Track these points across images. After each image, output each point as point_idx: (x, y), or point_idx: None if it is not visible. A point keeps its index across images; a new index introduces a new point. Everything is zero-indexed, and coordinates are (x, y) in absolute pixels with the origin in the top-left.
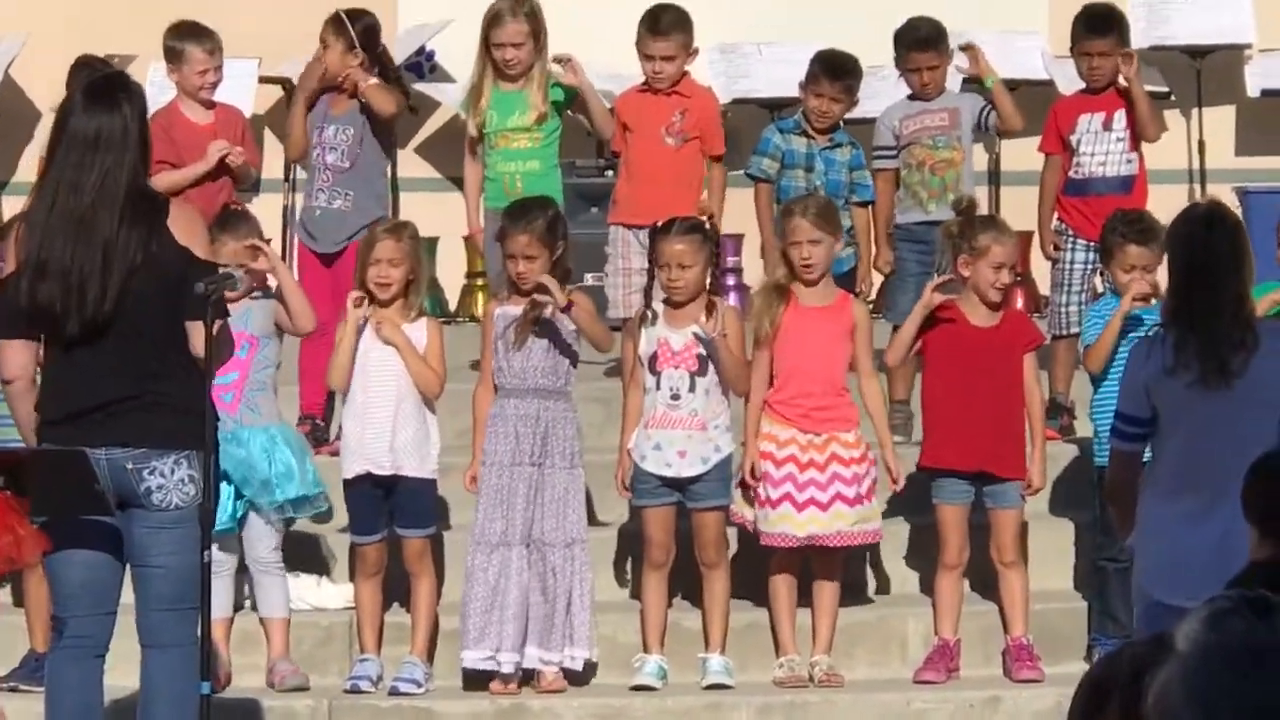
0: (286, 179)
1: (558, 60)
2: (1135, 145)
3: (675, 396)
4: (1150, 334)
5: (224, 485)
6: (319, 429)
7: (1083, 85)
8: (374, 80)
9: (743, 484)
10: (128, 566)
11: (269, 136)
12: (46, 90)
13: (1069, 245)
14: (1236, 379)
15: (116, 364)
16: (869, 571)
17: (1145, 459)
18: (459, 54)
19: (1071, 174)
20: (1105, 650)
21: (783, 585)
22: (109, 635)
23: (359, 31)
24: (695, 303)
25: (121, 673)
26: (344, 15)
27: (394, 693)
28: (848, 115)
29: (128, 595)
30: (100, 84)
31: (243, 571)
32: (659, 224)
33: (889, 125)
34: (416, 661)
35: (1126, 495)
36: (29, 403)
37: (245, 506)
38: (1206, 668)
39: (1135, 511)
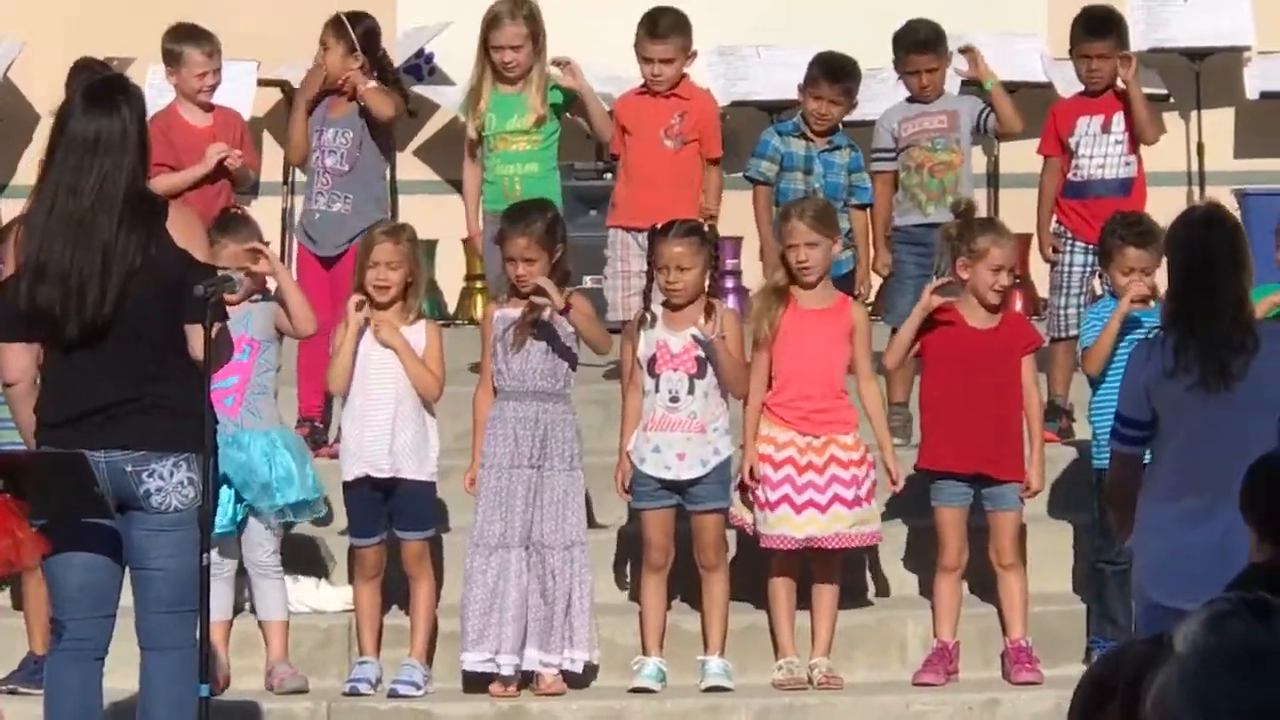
0: (285, 182)
1: (556, 63)
2: (1134, 148)
3: (674, 399)
4: (1150, 337)
5: (224, 489)
6: (317, 431)
7: (1081, 88)
8: (373, 84)
9: (741, 486)
10: (127, 569)
11: (268, 139)
12: (45, 93)
13: (1068, 248)
14: (1237, 381)
15: (116, 367)
16: (868, 574)
17: (1145, 461)
18: (458, 56)
19: (1070, 176)
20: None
21: (782, 588)
22: (108, 638)
23: (359, 34)
24: (694, 305)
25: (121, 675)
26: (345, 18)
27: (393, 695)
28: (846, 118)
29: (127, 598)
30: (99, 87)
31: (242, 574)
32: (658, 226)
33: (888, 127)
34: (415, 664)
35: (1126, 498)
36: (30, 405)
37: (245, 510)
38: (1205, 670)
39: (1135, 514)
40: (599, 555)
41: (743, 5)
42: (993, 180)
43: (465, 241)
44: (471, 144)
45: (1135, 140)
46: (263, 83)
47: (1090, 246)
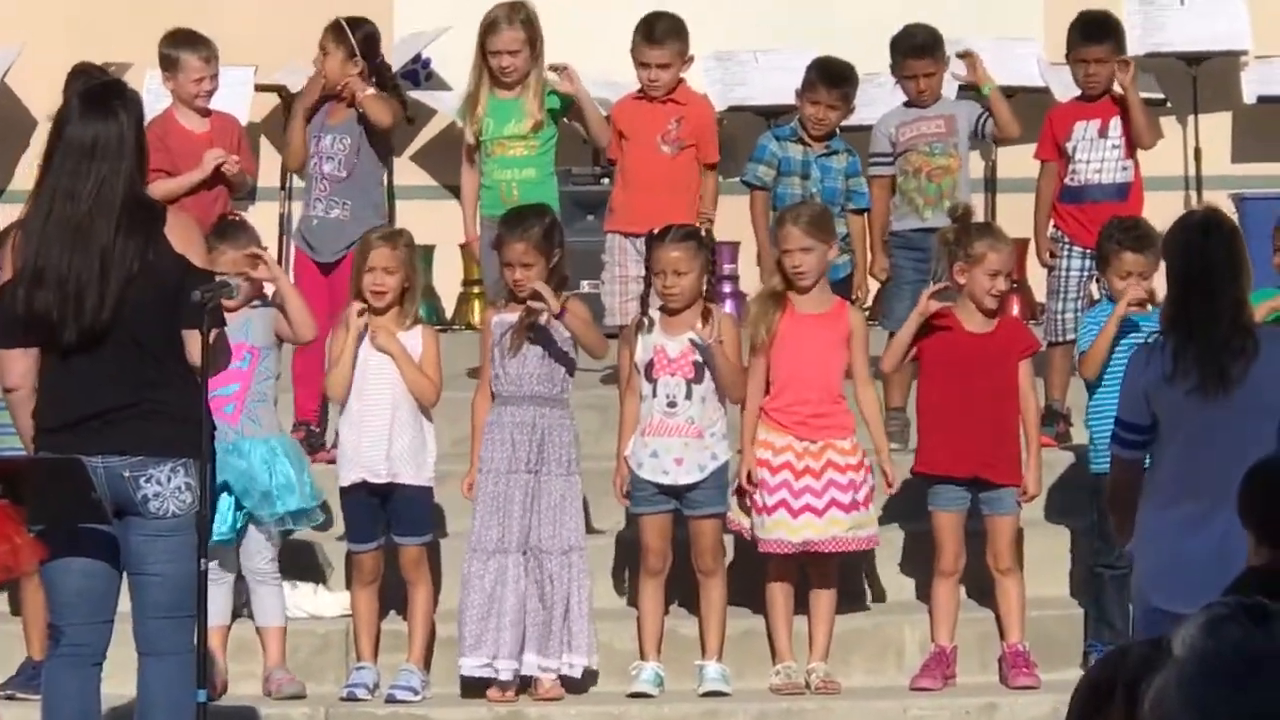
0: (283, 187)
1: (554, 68)
2: (1131, 152)
3: (672, 404)
4: (1149, 341)
5: (224, 496)
6: (313, 435)
7: (1078, 92)
8: (371, 91)
9: (739, 491)
10: (124, 574)
11: (265, 144)
12: (43, 98)
13: (1065, 252)
14: (1236, 386)
15: (114, 372)
16: (865, 578)
17: (1145, 466)
18: (455, 62)
19: (1067, 181)
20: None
21: (779, 592)
22: (106, 643)
23: (359, 40)
24: (691, 310)
25: (119, 681)
26: (344, 23)
27: (391, 700)
28: (844, 123)
29: (125, 603)
30: (97, 92)
31: (239, 580)
32: (655, 231)
33: (885, 132)
34: (413, 669)
35: (1127, 502)
36: (30, 410)
37: (245, 518)
38: (1203, 674)
39: (1135, 518)
40: (597, 560)
41: (740, 10)
42: (990, 185)
43: (463, 246)
44: (469, 149)
45: (1132, 145)
46: (260, 88)
47: (1087, 251)
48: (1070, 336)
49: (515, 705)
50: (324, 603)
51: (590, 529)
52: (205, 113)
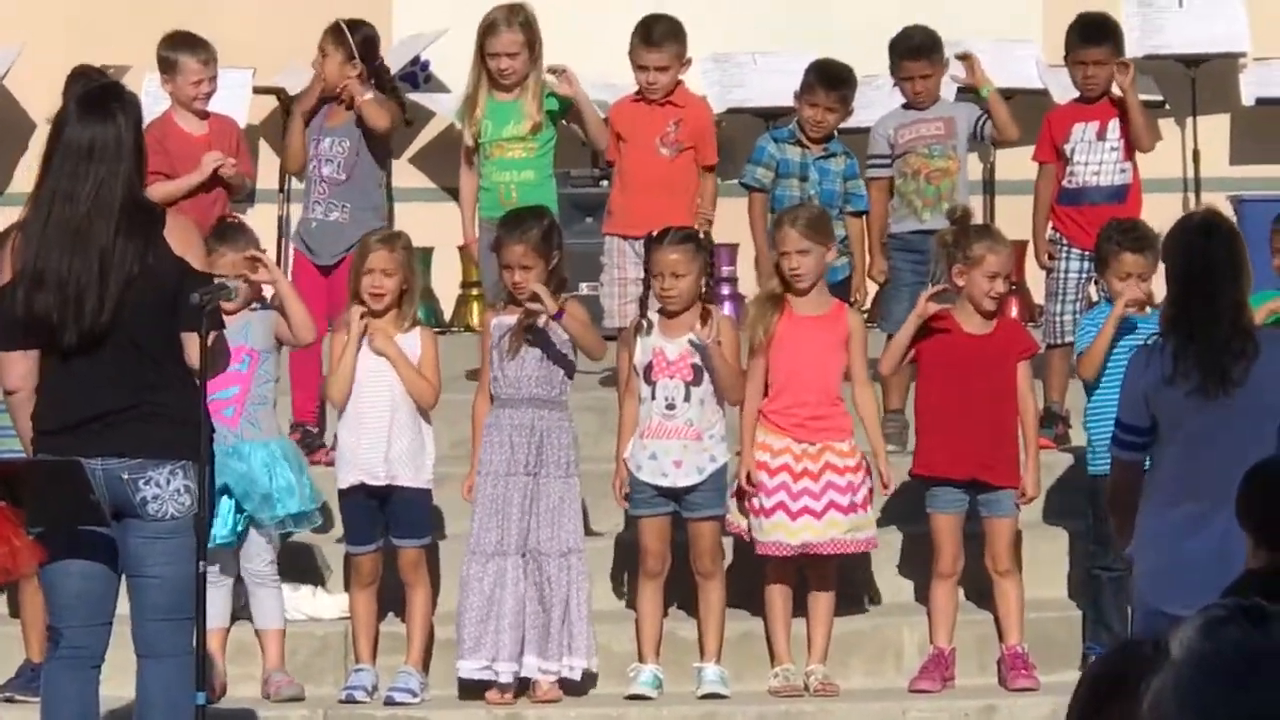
0: (281, 190)
1: (552, 71)
2: (1129, 155)
3: (670, 406)
4: (1149, 343)
5: (224, 499)
6: (310, 435)
7: (1077, 94)
8: (370, 95)
9: (738, 493)
10: (123, 577)
11: (263, 147)
12: (42, 100)
13: (1063, 254)
14: (1236, 387)
15: (114, 375)
16: (864, 581)
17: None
18: (454, 64)
19: (1066, 183)
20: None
21: (778, 595)
22: (105, 646)
23: (358, 42)
24: (690, 312)
25: (117, 683)
26: (343, 25)
27: (389, 703)
28: (842, 125)
29: (124, 605)
30: (95, 94)
31: (238, 582)
32: (653, 233)
33: (884, 134)
34: (412, 671)
35: (1127, 504)
36: (30, 413)
37: (245, 521)
38: (1201, 676)
39: (1135, 520)
40: (595, 563)
41: (738, 12)
42: (988, 187)
43: (461, 249)
44: (468, 151)
45: (1131, 147)
46: (258, 90)
47: (1086, 253)
48: (1069, 338)
49: (514, 707)
50: (323, 605)
51: (589, 531)
52: (204, 115)
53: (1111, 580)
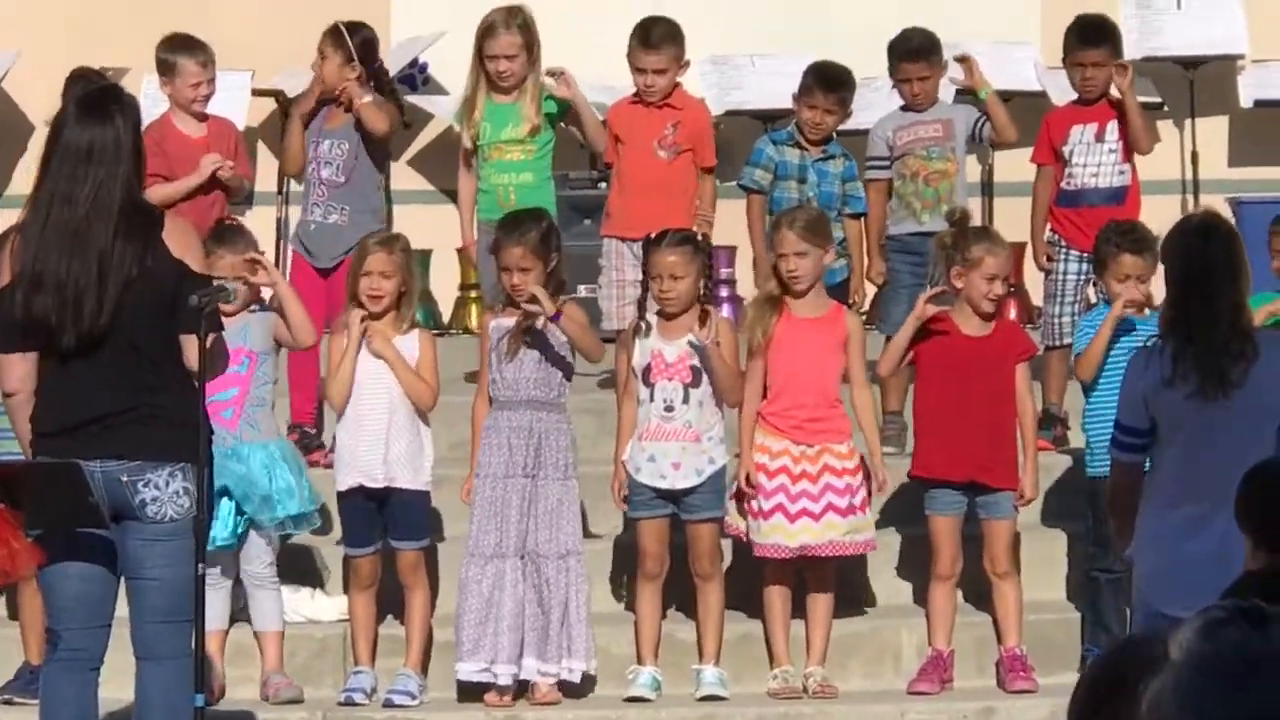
0: (280, 192)
1: (551, 73)
2: (1128, 156)
3: (669, 408)
4: (1148, 344)
5: (224, 501)
6: (308, 436)
7: (1075, 96)
8: (369, 98)
9: (737, 495)
10: (122, 579)
11: (262, 149)
12: (41, 102)
13: (1062, 256)
14: (1235, 389)
15: (113, 377)
16: (863, 583)
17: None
18: (453, 66)
19: (1064, 185)
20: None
21: (777, 597)
22: (104, 648)
23: (357, 45)
24: (688, 314)
25: (116, 685)
26: (342, 27)
27: (388, 705)
28: (841, 127)
29: (122, 607)
30: (94, 96)
31: (237, 584)
32: (651, 236)
33: (882, 136)
34: (411, 673)
35: (1127, 506)
36: (29, 415)
37: (245, 523)
38: (1200, 678)
39: (1135, 522)
40: (594, 565)
41: (736, 14)
42: (987, 189)
43: (460, 251)
44: (466, 153)
45: (1129, 149)
46: (257, 93)
47: (1084, 255)
48: (1067, 340)
49: (513, 710)
50: (321, 607)
51: (588, 533)
52: (202, 117)
53: (1110, 582)
